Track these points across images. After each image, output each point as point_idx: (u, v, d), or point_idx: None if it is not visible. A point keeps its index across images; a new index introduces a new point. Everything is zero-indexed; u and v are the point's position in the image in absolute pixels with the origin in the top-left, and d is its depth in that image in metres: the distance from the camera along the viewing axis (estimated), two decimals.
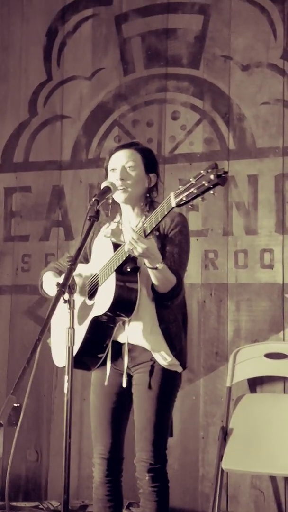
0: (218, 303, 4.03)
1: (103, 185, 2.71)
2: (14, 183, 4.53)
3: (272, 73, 4.08)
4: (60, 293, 2.27)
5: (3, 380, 4.36)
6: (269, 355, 3.84)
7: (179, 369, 2.76)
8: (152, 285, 2.64)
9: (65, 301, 2.31)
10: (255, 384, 3.93)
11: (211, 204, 4.06)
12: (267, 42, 4.11)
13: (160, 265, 2.55)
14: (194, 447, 3.97)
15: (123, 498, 2.83)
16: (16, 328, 4.38)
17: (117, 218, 2.88)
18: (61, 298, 2.28)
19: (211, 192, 2.24)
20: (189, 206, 2.31)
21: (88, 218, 2.51)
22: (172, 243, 2.71)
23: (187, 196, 2.28)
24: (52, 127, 4.51)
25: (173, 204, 2.32)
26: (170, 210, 2.37)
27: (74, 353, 2.54)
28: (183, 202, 2.30)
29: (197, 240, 4.05)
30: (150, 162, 2.83)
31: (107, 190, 2.68)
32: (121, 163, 2.78)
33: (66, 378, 2.28)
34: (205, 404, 3.99)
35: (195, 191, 2.25)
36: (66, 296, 2.31)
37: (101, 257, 2.70)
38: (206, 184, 2.23)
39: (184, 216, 2.82)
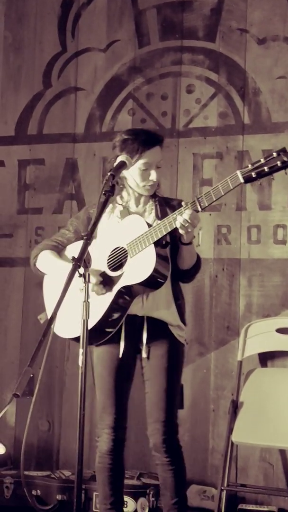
0: (230, 278, 4.04)
1: (118, 159, 2.72)
2: (28, 155, 4.53)
3: None
4: (75, 267, 2.30)
5: (16, 351, 4.40)
6: (281, 330, 3.86)
7: (184, 342, 2.88)
8: (174, 264, 2.75)
9: (80, 275, 2.33)
10: (265, 358, 3.96)
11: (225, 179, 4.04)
12: (284, 15, 4.06)
13: (194, 240, 2.72)
14: (205, 420, 4.01)
15: (124, 469, 2.92)
16: (29, 300, 4.41)
17: (120, 201, 2.91)
18: (76, 272, 2.30)
19: (286, 172, 2.46)
20: (258, 183, 2.51)
21: (103, 192, 2.52)
22: None
23: (257, 173, 2.46)
24: (66, 99, 4.49)
25: (241, 180, 2.48)
26: (237, 185, 2.52)
27: (93, 325, 2.66)
28: (252, 178, 2.46)
29: (210, 215, 4.05)
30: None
31: (123, 164, 2.69)
32: (155, 162, 2.84)
33: (80, 351, 2.30)
34: (215, 378, 4.02)
35: (267, 170, 2.44)
36: (82, 270, 2.32)
37: (127, 233, 2.74)
38: (280, 164, 2.43)
39: None
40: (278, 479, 3.86)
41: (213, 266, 4.06)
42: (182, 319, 2.85)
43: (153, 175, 2.83)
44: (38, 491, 3.74)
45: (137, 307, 2.78)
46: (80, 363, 2.31)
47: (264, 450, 3.87)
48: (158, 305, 2.78)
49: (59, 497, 3.69)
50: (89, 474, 3.82)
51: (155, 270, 2.64)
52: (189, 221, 2.58)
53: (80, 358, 2.30)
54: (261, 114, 4.08)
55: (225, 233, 4.07)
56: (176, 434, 2.83)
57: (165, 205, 2.87)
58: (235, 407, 3.78)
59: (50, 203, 4.45)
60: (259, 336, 3.88)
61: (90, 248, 2.75)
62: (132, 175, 2.83)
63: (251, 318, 3.97)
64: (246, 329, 3.90)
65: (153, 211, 2.87)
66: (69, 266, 2.66)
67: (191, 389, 4.01)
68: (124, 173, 2.83)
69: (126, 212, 2.88)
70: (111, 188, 2.54)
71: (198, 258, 2.83)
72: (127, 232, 2.75)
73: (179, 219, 2.59)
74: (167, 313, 2.79)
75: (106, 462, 2.85)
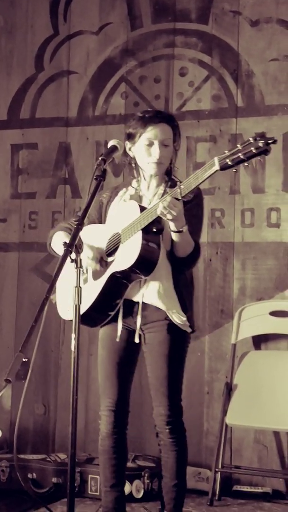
0: (224, 262, 4.04)
1: (110, 144, 2.71)
2: (20, 139, 4.52)
3: (282, 29, 4.02)
4: (67, 253, 2.30)
5: (11, 336, 4.42)
6: (274, 313, 3.88)
7: (188, 330, 2.83)
8: (171, 251, 2.72)
9: (72, 260, 2.34)
10: (259, 341, 3.98)
11: None
12: None
13: (184, 228, 2.63)
14: (199, 402, 4.03)
15: (127, 450, 2.93)
16: (23, 285, 4.42)
17: (135, 184, 2.91)
18: (68, 257, 2.30)
19: (259, 158, 2.36)
20: (233, 170, 2.42)
21: (94, 177, 2.52)
22: (190, 213, 2.74)
23: (232, 160, 2.38)
24: (59, 83, 4.47)
25: (217, 167, 2.42)
26: (214, 173, 2.45)
27: (86, 308, 2.67)
28: (227, 165, 2.40)
29: (203, 198, 4.04)
30: (177, 135, 2.89)
31: (114, 149, 2.68)
32: (160, 138, 2.80)
33: (73, 336, 2.31)
34: (210, 361, 4.04)
35: (241, 156, 2.36)
36: (73, 255, 2.33)
37: (124, 218, 2.73)
38: (254, 151, 2.34)
39: (200, 189, 2.86)
40: (272, 461, 3.89)
41: (207, 250, 4.07)
42: (184, 307, 2.79)
43: (155, 151, 2.79)
44: (34, 474, 3.76)
45: (133, 292, 2.77)
46: (72, 348, 2.32)
47: (258, 432, 3.90)
48: (155, 292, 2.75)
49: (54, 480, 3.71)
50: (84, 457, 3.86)
51: (140, 257, 2.61)
52: (167, 208, 2.54)
53: (73, 343, 2.31)
54: (254, 96, 4.07)
55: (218, 216, 4.07)
56: (180, 417, 2.85)
57: None
58: (229, 389, 3.81)
59: (43, 188, 4.44)
60: (253, 319, 3.89)
61: (97, 233, 2.82)
62: (138, 151, 2.82)
63: (245, 301, 3.98)
64: (240, 312, 3.92)
65: (161, 196, 2.83)
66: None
67: (186, 372, 3.99)
68: (133, 151, 2.84)
69: (136, 196, 2.88)
70: (102, 173, 2.53)
71: (197, 247, 2.76)
72: (123, 218, 2.74)
73: (160, 206, 2.55)
74: (164, 300, 2.75)
75: (106, 445, 2.86)
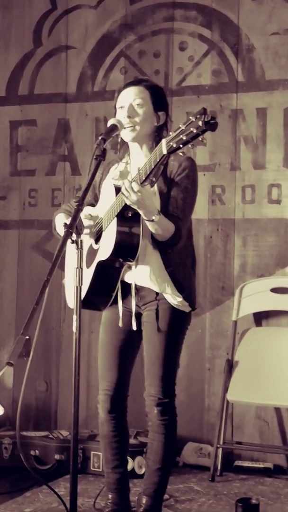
0: (225, 238, 4.03)
1: (109, 123, 2.67)
2: (19, 116, 4.48)
3: (282, 2, 3.96)
4: (67, 234, 2.27)
5: (12, 313, 4.42)
6: (275, 290, 3.87)
7: (187, 309, 2.77)
8: (152, 233, 2.62)
9: (73, 242, 2.31)
10: (260, 318, 3.98)
11: (219, 138, 4.01)
12: None
13: (156, 217, 2.52)
14: (200, 379, 4.05)
15: (128, 432, 2.92)
16: (24, 262, 4.41)
17: (126, 158, 2.83)
18: (69, 238, 2.28)
19: (200, 139, 2.21)
20: (180, 153, 2.28)
21: (94, 157, 2.48)
22: (177, 188, 2.67)
23: (176, 142, 2.25)
24: (57, 58, 4.42)
25: (164, 151, 2.30)
26: (163, 157, 2.33)
27: (83, 295, 2.58)
28: (173, 149, 2.27)
29: (204, 175, 4.02)
30: (159, 99, 2.77)
31: (114, 128, 2.64)
32: (129, 100, 2.72)
33: (74, 317, 2.30)
34: (211, 337, 4.05)
35: (184, 138, 2.23)
36: (74, 236, 2.30)
37: (106, 201, 2.68)
38: (195, 131, 2.20)
39: (193, 160, 2.77)
40: (274, 436, 3.91)
41: (207, 227, 4.05)
42: (179, 287, 2.70)
43: (124, 112, 2.70)
44: (37, 451, 3.79)
45: (127, 275, 2.72)
46: (74, 329, 2.31)
47: (259, 408, 3.92)
48: (146, 273, 2.68)
49: (57, 456, 3.73)
50: (86, 433, 3.88)
51: (117, 245, 2.55)
52: (127, 194, 2.45)
53: (74, 324, 2.31)
54: (255, 71, 4.02)
55: (219, 193, 4.05)
56: (173, 400, 2.78)
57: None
58: (230, 366, 3.82)
59: (42, 165, 4.41)
60: (254, 296, 3.89)
61: (93, 214, 2.76)
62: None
63: (246, 278, 3.98)
64: (240, 289, 3.92)
65: None
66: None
67: (187, 349, 4.01)
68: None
69: (125, 171, 2.80)
70: (102, 153, 2.49)
71: (177, 230, 2.61)
72: (105, 201, 2.68)
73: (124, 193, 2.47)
74: (156, 281, 2.67)
75: (105, 430, 2.85)
